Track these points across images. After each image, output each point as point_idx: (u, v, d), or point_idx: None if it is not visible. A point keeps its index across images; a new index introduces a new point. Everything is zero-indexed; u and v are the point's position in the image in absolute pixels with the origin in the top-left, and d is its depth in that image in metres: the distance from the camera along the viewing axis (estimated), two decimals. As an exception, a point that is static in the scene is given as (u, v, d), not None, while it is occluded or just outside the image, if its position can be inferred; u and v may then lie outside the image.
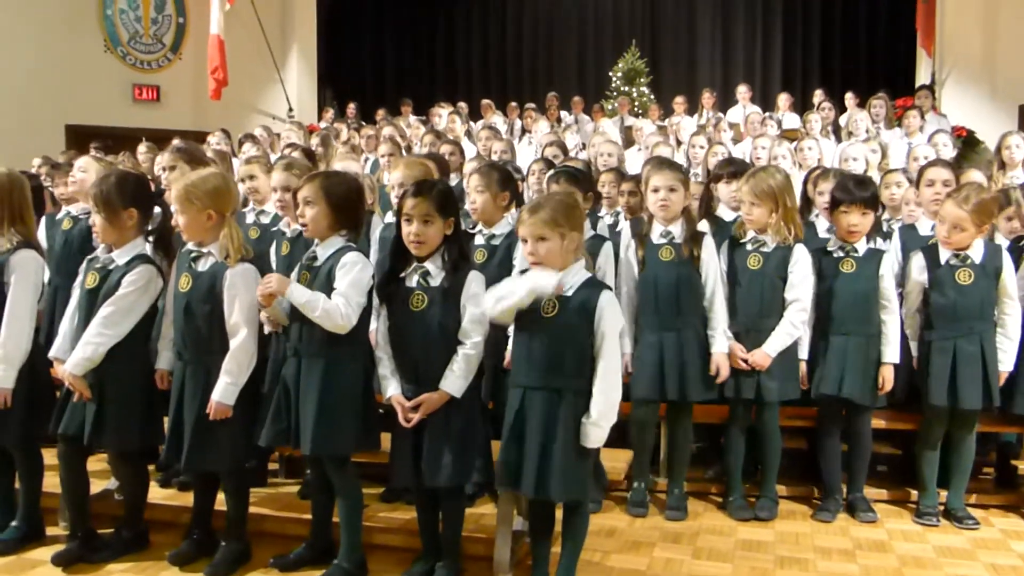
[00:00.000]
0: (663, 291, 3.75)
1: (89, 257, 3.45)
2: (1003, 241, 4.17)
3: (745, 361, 3.74)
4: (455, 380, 2.95)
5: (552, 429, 2.85)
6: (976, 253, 3.76)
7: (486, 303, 2.96)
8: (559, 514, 3.06)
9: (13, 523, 3.48)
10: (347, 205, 3.13)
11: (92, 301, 3.27)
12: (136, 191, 3.38)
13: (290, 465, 4.21)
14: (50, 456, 3.61)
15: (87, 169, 4.47)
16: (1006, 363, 3.77)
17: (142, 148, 7.34)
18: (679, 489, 3.91)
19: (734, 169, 4.39)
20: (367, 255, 3.36)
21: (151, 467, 3.76)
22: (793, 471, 4.28)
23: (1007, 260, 3.80)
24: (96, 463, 3.70)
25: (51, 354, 3.36)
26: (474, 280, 3.00)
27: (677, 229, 3.79)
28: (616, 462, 3.40)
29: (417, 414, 2.96)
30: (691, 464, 4.04)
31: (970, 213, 3.68)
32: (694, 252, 3.73)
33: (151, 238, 3.39)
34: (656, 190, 3.79)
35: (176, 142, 6.35)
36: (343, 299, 2.98)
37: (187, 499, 3.59)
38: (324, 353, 3.03)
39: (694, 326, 3.74)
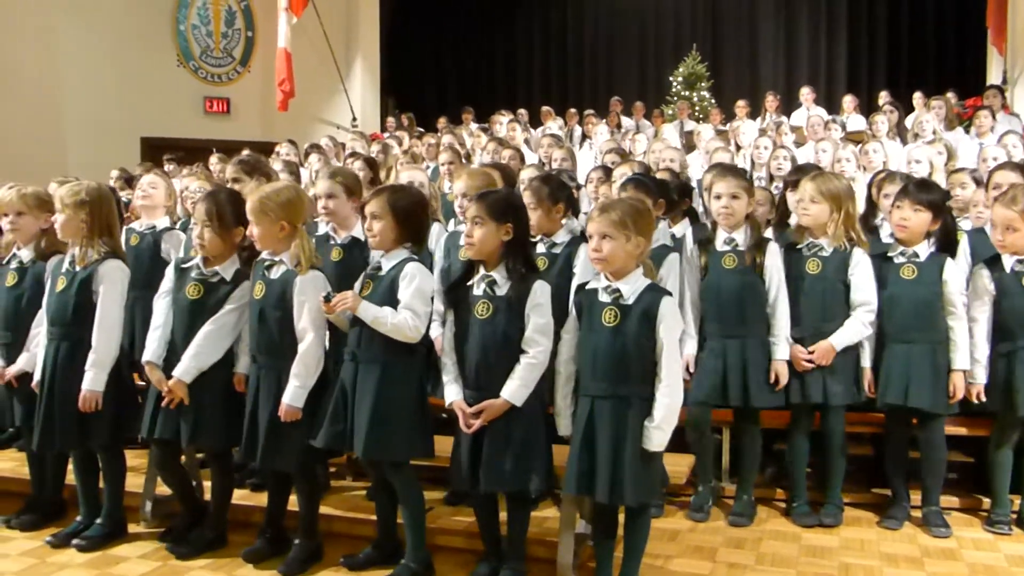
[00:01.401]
0: (726, 298, 3.75)
1: (182, 266, 3.54)
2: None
3: (809, 362, 3.72)
4: (517, 388, 3.01)
5: (622, 435, 2.89)
6: None
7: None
8: (621, 517, 3.10)
9: (98, 521, 3.66)
10: (412, 219, 3.23)
11: (195, 312, 3.42)
12: (244, 209, 3.50)
13: (357, 467, 4.32)
14: (130, 457, 3.81)
15: (157, 186, 4.62)
16: None
17: (213, 160, 7.59)
18: (747, 495, 3.90)
19: (799, 176, 4.36)
20: (430, 264, 3.45)
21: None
22: (859, 478, 4.23)
23: None
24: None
25: (145, 359, 3.49)
26: (539, 289, 3.04)
27: (740, 236, 3.79)
28: (678, 466, 3.41)
29: (478, 420, 3.03)
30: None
31: (1020, 212, 3.63)
32: (757, 259, 3.72)
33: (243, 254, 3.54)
34: (719, 197, 3.80)
35: (244, 154, 6.55)
36: (410, 312, 3.08)
37: (260, 499, 3.71)
38: (381, 359, 3.13)
39: (759, 333, 3.73)
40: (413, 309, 3.09)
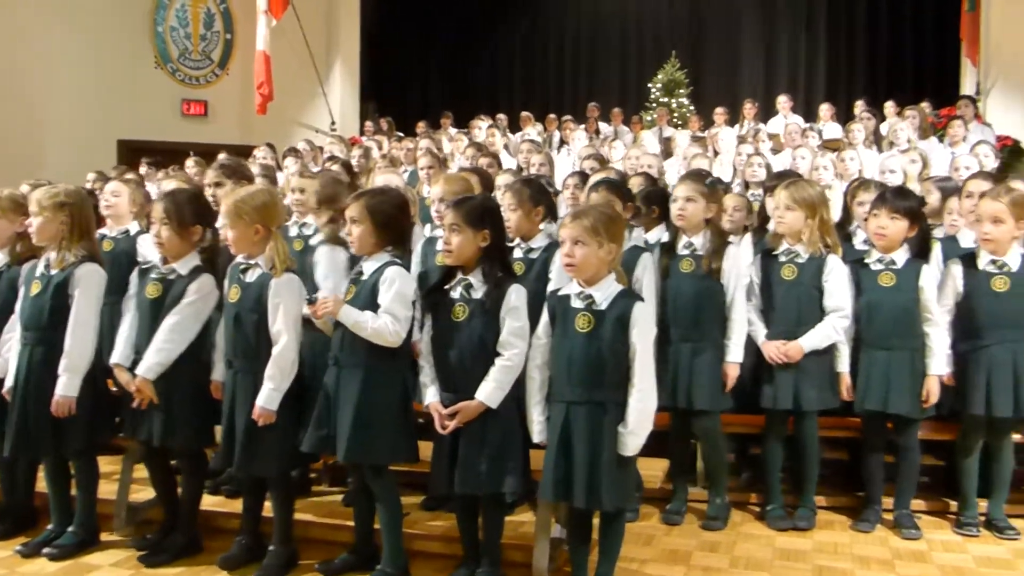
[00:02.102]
0: (682, 302, 3.79)
1: (142, 268, 3.62)
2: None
3: (780, 352, 3.76)
4: (492, 391, 3.03)
5: (598, 441, 2.91)
6: (1013, 261, 3.76)
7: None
8: (596, 521, 3.12)
9: (70, 529, 3.62)
10: (392, 223, 3.24)
11: (156, 310, 3.43)
12: (203, 208, 3.59)
13: (334, 473, 4.32)
14: (104, 464, 3.79)
15: (119, 193, 4.56)
16: None
17: (190, 163, 7.56)
18: (721, 499, 3.94)
19: (777, 183, 4.40)
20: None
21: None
22: (834, 481, 4.28)
23: None
24: (141, 471, 3.84)
25: (112, 361, 3.50)
26: (515, 293, 3.07)
27: (699, 241, 3.83)
28: (653, 471, 3.44)
29: (453, 422, 3.05)
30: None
31: (1007, 205, 3.70)
32: (714, 265, 3.76)
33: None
34: (675, 200, 3.86)
35: (221, 158, 6.52)
36: (390, 316, 3.09)
37: (236, 506, 3.70)
38: (363, 363, 3.14)
39: (712, 338, 3.78)
40: (393, 313, 3.10)
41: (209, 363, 3.48)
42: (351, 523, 3.47)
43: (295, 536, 3.47)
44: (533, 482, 3.10)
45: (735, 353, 3.77)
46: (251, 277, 3.30)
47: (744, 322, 3.80)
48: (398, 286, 3.13)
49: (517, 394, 3.11)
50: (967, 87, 11.01)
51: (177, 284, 3.44)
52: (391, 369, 3.18)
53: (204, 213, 3.56)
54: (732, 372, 3.77)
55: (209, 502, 3.90)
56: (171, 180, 5.33)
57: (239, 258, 3.37)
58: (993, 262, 3.77)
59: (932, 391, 3.76)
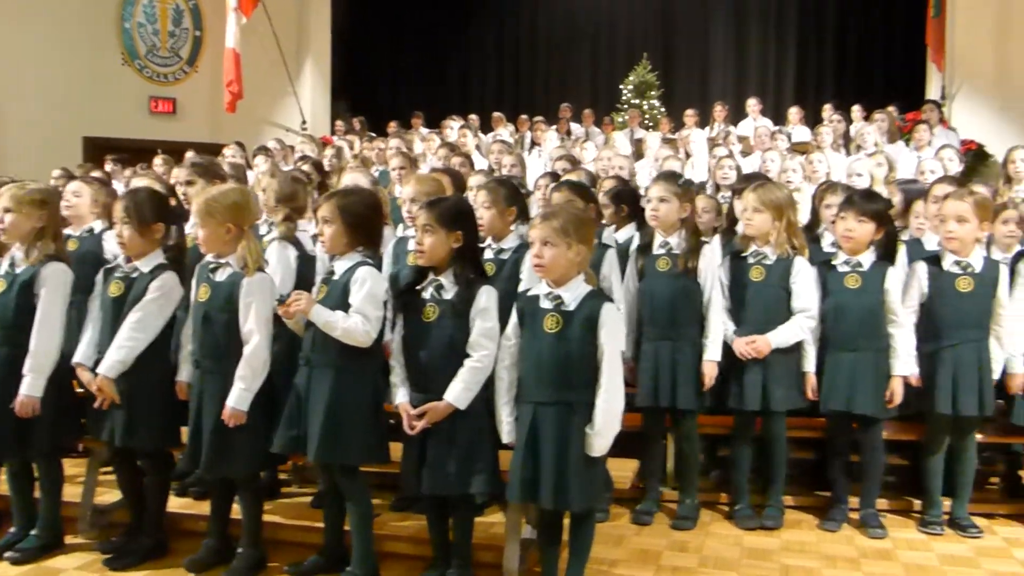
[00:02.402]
0: (659, 302, 3.82)
1: (106, 267, 3.58)
2: (999, 255, 4.24)
3: (750, 347, 3.79)
4: (460, 392, 3.03)
5: (566, 441, 2.91)
6: (976, 262, 3.83)
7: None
8: (566, 522, 3.13)
9: (33, 532, 3.57)
10: (363, 222, 3.23)
11: (118, 308, 3.39)
12: (164, 206, 3.55)
13: (303, 475, 4.29)
14: (68, 466, 3.73)
15: (80, 194, 4.49)
16: (998, 372, 3.82)
17: (158, 161, 7.46)
18: (691, 499, 3.96)
19: (745, 185, 4.44)
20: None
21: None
22: (801, 481, 4.32)
23: (1003, 273, 3.87)
24: (107, 473, 3.82)
25: (75, 360, 3.46)
26: (484, 294, 3.07)
27: (675, 240, 3.86)
28: (623, 471, 3.46)
29: (421, 422, 3.04)
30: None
31: (971, 205, 3.78)
32: (689, 264, 3.79)
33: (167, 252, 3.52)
34: (649, 200, 3.89)
35: (192, 156, 6.45)
36: (361, 316, 3.08)
37: (203, 508, 3.67)
38: (334, 363, 3.13)
39: (691, 337, 3.81)
40: (364, 313, 3.09)
41: (174, 363, 3.44)
42: (320, 525, 3.44)
43: (264, 538, 3.44)
44: (503, 483, 3.10)
45: (713, 352, 3.80)
46: (221, 276, 3.28)
47: (721, 321, 3.83)
48: (369, 286, 3.12)
49: (486, 395, 3.11)
50: (932, 92, 11.17)
51: (139, 282, 3.40)
52: (362, 369, 3.16)
53: (165, 211, 3.52)
54: (710, 371, 3.80)
55: (176, 504, 3.86)
56: (141, 178, 5.25)
57: (208, 257, 3.34)
58: (957, 263, 3.84)
59: (896, 392, 3.81)
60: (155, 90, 12.91)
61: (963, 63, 10.77)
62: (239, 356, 3.20)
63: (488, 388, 3.11)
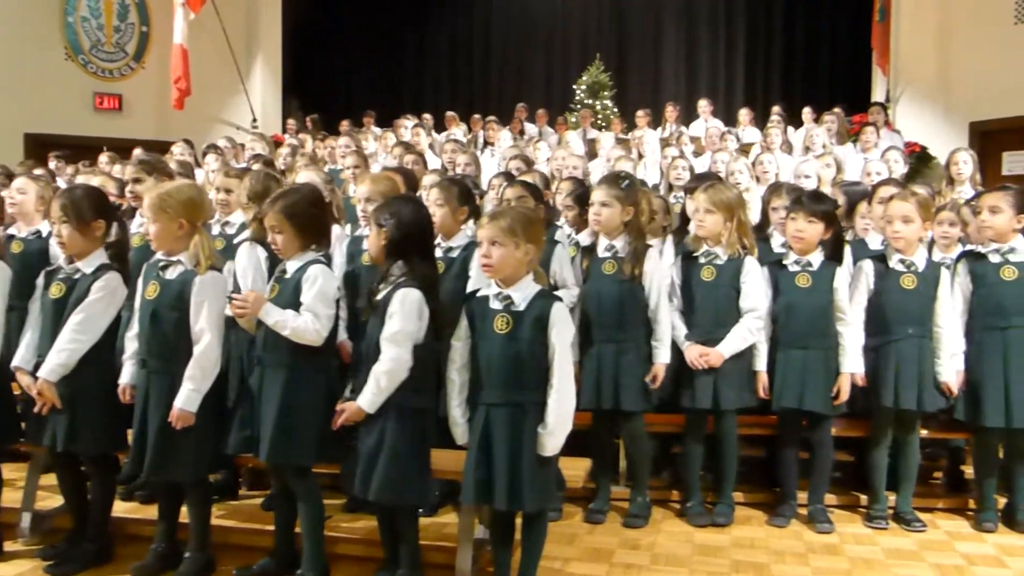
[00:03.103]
0: (604, 304, 3.83)
1: (48, 270, 3.49)
2: (938, 255, 4.36)
3: (702, 359, 3.82)
4: (366, 395, 2.98)
5: (518, 442, 2.90)
6: (920, 261, 3.93)
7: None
8: (519, 521, 3.12)
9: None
10: (311, 222, 3.19)
11: (59, 310, 3.31)
12: (103, 203, 3.46)
13: (254, 477, 4.23)
14: (6, 471, 3.64)
15: (26, 191, 4.35)
16: (945, 370, 3.91)
17: (103, 158, 7.31)
18: (642, 497, 3.99)
19: (697, 184, 4.49)
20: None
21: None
22: (751, 478, 4.38)
23: (944, 274, 3.98)
24: (47, 478, 3.73)
25: (14, 364, 3.37)
26: (399, 297, 2.98)
27: (620, 243, 3.87)
28: (575, 470, 3.46)
29: (339, 419, 3.03)
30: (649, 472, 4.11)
31: (915, 205, 3.88)
32: (635, 269, 3.80)
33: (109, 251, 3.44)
34: (592, 204, 3.90)
35: (139, 153, 6.32)
36: (311, 315, 3.05)
37: (149, 512, 3.60)
38: (286, 363, 3.09)
39: (635, 339, 3.82)
40: (314, 312, 3.06)
41: (118, 365, 3.36)
42: (271, 528, 3.40)
43: (213, 542, 3.38)
44: (454, 484, 3.08)
45: (663, 354, 3.82)
46: (172, 274, 3.21)
47: (669, 324, 3.85)
48: (320, 284, 3.08)
49: (424, 404, 3.05)
50: (878, 94, 11.40)
51: (81, 283, 3.32)
52: (314, 369, 3.12)
53: (105, 208, 3.44)
54: (661, 373, 3.82)
55: (121, 508, 3.78)
56: (91, 176, 5.13)
57: (158, 255, 3.28)
58: (902, 261, 3.93)
59: (844, 388, 3.88)
60: (100, 86, 12.63)
61: (907, 67, 11.02)
62: (188, 356, 3.14)
63: (420, 394, 3.05)
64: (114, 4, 12.79)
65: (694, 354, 3.84)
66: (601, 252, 3.90)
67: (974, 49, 10.28)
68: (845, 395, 3.88)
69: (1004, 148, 10.11)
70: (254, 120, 12.82)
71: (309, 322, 3.05)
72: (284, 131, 12.33)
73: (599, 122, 12.32)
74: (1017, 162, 10.01)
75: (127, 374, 3.32)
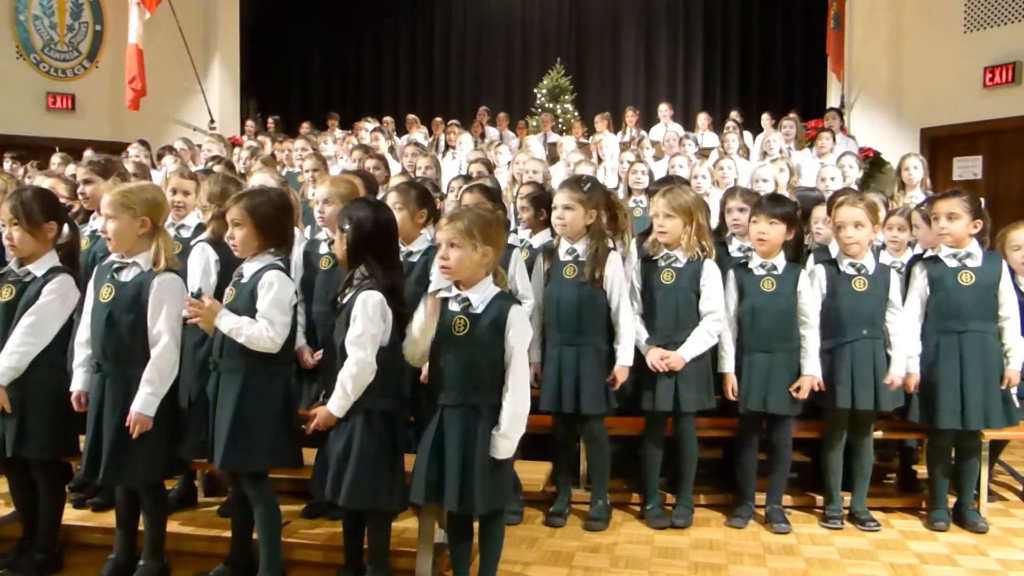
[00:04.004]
0: (564, 308, 3.84)
1: (0, 272, 3.40)
2: (889, 258, 4.45)
3: (663, 362, 3.84)
4: (334, 400, 2.97)
5: (471, 444, 2.90)
6: (869, 264, 4.01)
7: (408, 337, 3.01)
8: (477, 524, 3.12)
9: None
10: (274, 224, 3.16)
11: (9, 314, 3.25)
12: (54, 204, 3.41)
13: (210, 483, 4.17)
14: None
15: None
16: (894, 369, 3.99)
17: (56, 159, 7.16)
18: (602, 500, 4.00)
19: (657, 187, 4.52)
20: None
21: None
22: (710, 480, 4.42)
23: (893, 276, 4.07)
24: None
25: None
26: (361, 300, 2.97)
27: (582, 247, 3.89)
28: (535, 473, 3.47)
29: (311, 424, 3.02)
30: (610, 475, 4.13)
31: (864, 210, 3.96)
32: (595, 273, 3.81)
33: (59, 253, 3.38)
34: (555, 208, 3.91)
35: (89, 155, 6.19)
36: (266, 321, 3.02)
37: (102, 520, 3.55)
38: (242, 368, 3.06)
39: (595, 342, 3.83)
40: (270, 318, 3.03)
41: (70, 369, 3.29)
42: (228, 534, 3.35)
43: (168, 549, 3.33)
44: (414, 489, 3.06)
45: (625, 357, 3.83)
46: (128, 276, 3.15)
47: (631, 326, 3.86)
48: (275, 291, 3.05)
49: (391, 407, 3.03)
50: (832, 100, 11.58)
51: (32, 286, 3.26)
52: (269, 375, 3.09)
53: (56, 209, 3.39)
54: (622, 376, 3.83)
55: (73, 516, 3.71)
56: (45, 177, 5.01)
57: (112, 257, 3.22)
58: (852, 265, 4.00)
59: (804, 387, 3.92)
60: (52, 85, 12.38)
61: (860, 74, 11.21)
62: (144, 359, 3.08)
63: (393, 399, 3.04)
64: (67, 2, 12.55)
65: (655, 357, 3.86)
66: (563, 255, 3.91)
67: (925, 57, 10.51)
68: (804, 393, 3.92)
69: (954, 154, 10.34)
70: (211, 121, 12.65)
71: (264, 329, 3.01)
72: (242, 133, 12.19)
73: (560, 126, 12.37)
74: (967, 167, 10.24)
75: (79, 381, 3.25)
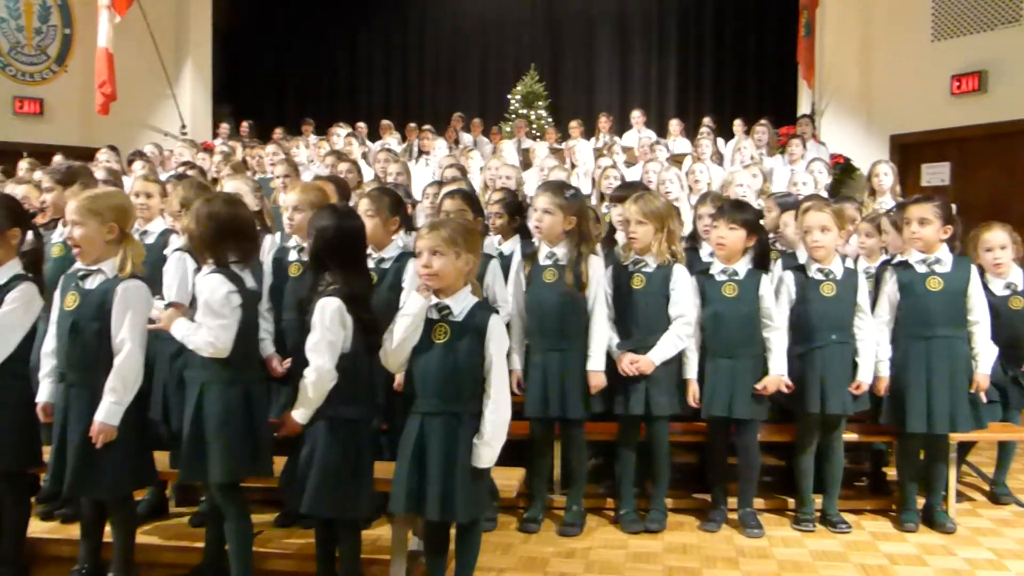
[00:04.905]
0: (546, 312, 3.85)
1: None
2: (862, 263, 4.49)
3: (633, 366, 3.85)
4: (298, 407, 2.97)
5: (453, 452, 2.90)
6: (837, 269, 4.05)
7: (386, 345, 2.99)
8: (453, 532, 3.11)
9: None
10: (220, 232, 3.09)
11: None
12: (18, 211, 3.36)
13: (182, 493, 4.12)
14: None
15: None
16: (861, 374, 4.03)
17: (23, 164, 7.05)
18: (577, 506, 4.01)
19: (624, 193, 4.54)
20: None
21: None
22: (684, 485, 4.44)
23: (861, 280, 4.11)
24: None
25: None
26: (318, 308, 2.96)
27: (561, 251, 3.89)
28: (509, 480, 3.46)
29: (283, 429, 3.02)
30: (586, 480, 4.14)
31: (831, 215, 4.02)
32: (576, 276, 3.82)
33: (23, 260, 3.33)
34: (535, 211, 3.92)
35: (55, 163, 6.12)
36: (205, 329, 3.00)
37: (70, 532, 3.48)
38: (202, 377, 3.04)
39: (578, 346, 3.84)
40: (205, 323, 3.00)
41: (35, 379, 3.24)
42: (200, 545, 3.32)
43: (139, 561, 3.29)
44: (387, 495, 3.05)
45: (596, 362, 3.84)
46: (92, 284, 3.10)
47: (604, 331, 3.87)
48: (205, 296, 3.03)
49: (356, 415, 3.01)
50: (803, 107, 11.70)
51: None
52: (224, 382, 3.04)
53: (19, 215, 3.34)
54: (595, 380, 3.84)
55: (41, 528, 3.66)
56: (11, 183, 4.94)
57: (77, 264, 3.17)
58: (820, 270, 4.04)
59: (770, 386, 3.94)
60: (20, 90, 12.19)
61: (831, 81, 11.34)
62: (109, 368, 3.03)
63: (360, 407, 3.02)
64: (35, 5, 12.39)
65: (625, 362, 3.87)
66: (542, 260, 3.91)
67: (894, 65, 10.65)
68: (771, 391, 3.94)
69: (923, 160, 10.49)
70: (183, 127, 12.54)
71: (203, 335, 2.99)
72: (215, 137, 12.09)
73: (533, 132, 12.39)
74: (935, 173, 10.38)
75: (45, 392, 3.20)
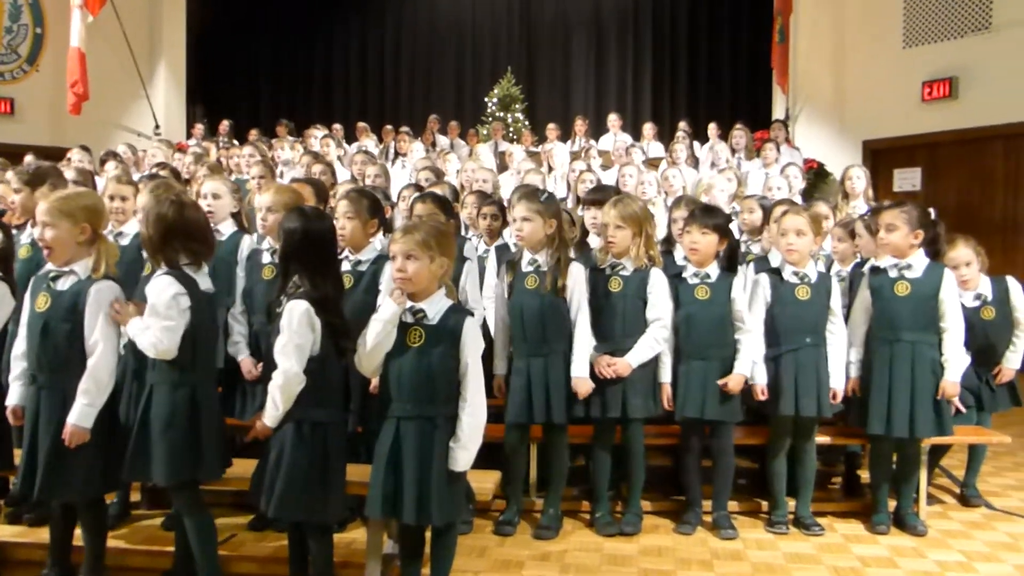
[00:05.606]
0: (529, 318, 3.85)
1: None
2: (837, 267, 4.53)
3: (610, 369, 3.86)
4: (267, 411, 2.95)
5: (428, 456, 2.89)
6: (812, 273, 4.09)
7: (360, 350, 2.98)
8: (428, 535, 3.10)
9: None
10: (171, 233, 3.06)
11: None
12: None
13: (152, 496, 4.08)
14: None
15: None
16: (833, 380, 4.07)
17: (-7, 164, 6.94)
18: (554, 509, 4.01)
19: (598, 196, 4.56)
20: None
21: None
22: (659, 487, 4.45)
23: (835, 283, 4.15)
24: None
25: None
26: (285, 311, 2.94)
27: (543, 257, 3.89)
28: (484, 483, 3.46)
29: (250, 435, 3.00)
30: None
31: (807, 218, 4.07)
32: (557, 282, 3.83)
33: None
34: (514, 220, 3.92)
35: (29, 163, 6.03)
36: (150, 331, 2.97)
37: (39, 535, 3.44)
38: (153, 379, 3.02)
39: (561, 352, 3.85)
40: (151, 327, 2.98)
41: (4, 382, 3.20)
42: (170, 549, 3.28)
43: (109, 565, 3.24)
44: (362, 499, 3.03)
45: (580, 368, 3.83)
46: (64, 285, 3.06)
47: (587, 336, 3.87)
48: (151, 298, 3.00)
49: (324, 418, 2.98)
50: (777, 113, 11.81)
51: None
52: (171, 384, 3.01)
53: None
54: (581, 387, 3.83)
55: (9, 532, 3.60)
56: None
57: (49, 265, 3.12)
58: (795, 273, 4.08)
59: (731, 384, 3.94)
60: (-10, 89, 12.06)
61: (805, 87, 11.46)
62: (81, 370, 3.00)
63: (327, 409, 3.00)
64: (6, 4, 12.23)
65: (602, 364, 3.88)
66: (524, 266, 3.91)
67: (866, 71, 10.79)
68: (734, 390, 3.95)
69: (895, 165, 10.63)
70: (156, 127, 12.42)
71: (148, 336, 2.97)
72: (189, 138, 11.99)
73: (510, 135, 12.40)
74: (906, 179, 10.53)
75: (15, 394, 3.15)
